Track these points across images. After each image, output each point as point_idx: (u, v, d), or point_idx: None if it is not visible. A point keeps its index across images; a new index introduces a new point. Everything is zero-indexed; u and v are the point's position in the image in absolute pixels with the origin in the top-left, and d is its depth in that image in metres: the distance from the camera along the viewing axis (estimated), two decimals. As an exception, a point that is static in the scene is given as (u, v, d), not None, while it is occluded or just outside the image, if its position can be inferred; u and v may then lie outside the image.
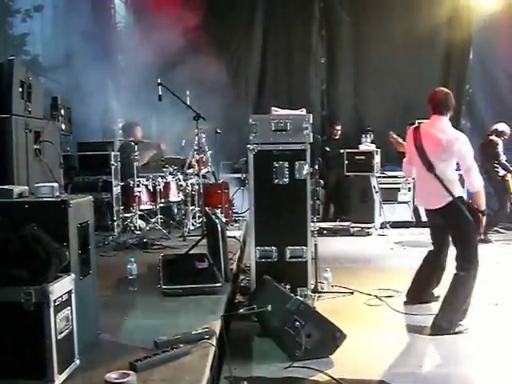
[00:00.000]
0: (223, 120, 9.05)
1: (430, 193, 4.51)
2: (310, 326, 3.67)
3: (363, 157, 8.92)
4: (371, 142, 9.32)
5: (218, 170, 8.86)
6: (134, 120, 8.40)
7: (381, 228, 8.84)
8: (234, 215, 8.27)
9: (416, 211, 8.74)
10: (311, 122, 4.61)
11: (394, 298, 5.12)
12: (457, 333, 4.23)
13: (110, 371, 2.70)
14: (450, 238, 4.61)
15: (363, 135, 9.43)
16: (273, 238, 4.56)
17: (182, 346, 3.11)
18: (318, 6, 10.80)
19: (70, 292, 2.83)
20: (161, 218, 7.38)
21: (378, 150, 9.13)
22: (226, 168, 9.72)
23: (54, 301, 2.64)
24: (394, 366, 3.70)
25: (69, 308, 2.81)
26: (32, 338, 2.60)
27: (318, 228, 5.67)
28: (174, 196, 7.61)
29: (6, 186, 3.12)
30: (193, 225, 7.46)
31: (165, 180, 7.50)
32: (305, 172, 4.54)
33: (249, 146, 4.57)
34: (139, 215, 7.16)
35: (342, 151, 9.20)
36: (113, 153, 7.45)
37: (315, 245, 5.33)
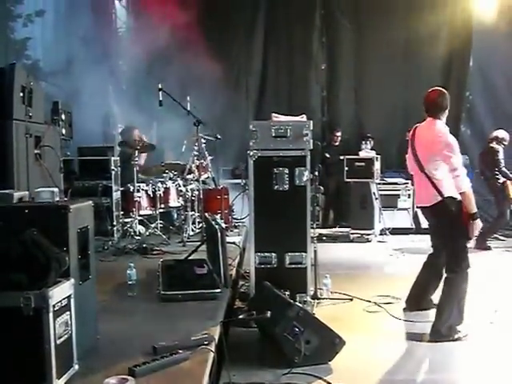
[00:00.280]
0: (224, 126, 9.07)
1: (421, 190, 4.60)
2: (309, 332, 3.66)
3: (363, 163, 8.91)
4: (371, 149, 9.33)
5: (218, 175, 8.85)
6: (134, 125, 8.42)
7: (380, 234, 8.82)
8: (233, 221, 8.26)
9: (416, 218, 8.74)
10: (311, 128, 4.61)
11: (393, 304, 5.11)
12: (456, 340, 4.22)
13: (109, 376, 2.71)
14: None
15: (363, 142, 9.45)
16: (272, 244, 4.55)
17: (180, 351, 3.11)
18: (319, 13, 10.83)
19: (69, 297, 2.82)
20: (160, 224, 7.39)
21: (378, 156, 9.14)
22: (226, 174, 9.73)
23: (54, 306, 2.64)
24: (393, 373, 3.70)
25: (68, 313, 2.80)
26: (31, 342, 2.59)
27: (317, 234, 5.67)
28: (174, 201, 7.62)
29: (7, 191, 3.13)
30: (192, 230, 7.47)
31: (165, 185, 7.52)
32: (305, 178, 4.54)
33: (249, 152, 4.57)
34: (139, 220, 7.17)
35: (341, 158, 9.18)
36: (113, 158, 7.46)
37: (315, 251, 5.32)
